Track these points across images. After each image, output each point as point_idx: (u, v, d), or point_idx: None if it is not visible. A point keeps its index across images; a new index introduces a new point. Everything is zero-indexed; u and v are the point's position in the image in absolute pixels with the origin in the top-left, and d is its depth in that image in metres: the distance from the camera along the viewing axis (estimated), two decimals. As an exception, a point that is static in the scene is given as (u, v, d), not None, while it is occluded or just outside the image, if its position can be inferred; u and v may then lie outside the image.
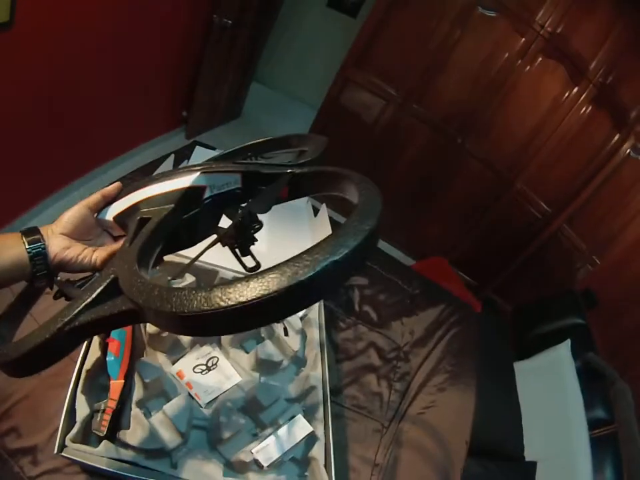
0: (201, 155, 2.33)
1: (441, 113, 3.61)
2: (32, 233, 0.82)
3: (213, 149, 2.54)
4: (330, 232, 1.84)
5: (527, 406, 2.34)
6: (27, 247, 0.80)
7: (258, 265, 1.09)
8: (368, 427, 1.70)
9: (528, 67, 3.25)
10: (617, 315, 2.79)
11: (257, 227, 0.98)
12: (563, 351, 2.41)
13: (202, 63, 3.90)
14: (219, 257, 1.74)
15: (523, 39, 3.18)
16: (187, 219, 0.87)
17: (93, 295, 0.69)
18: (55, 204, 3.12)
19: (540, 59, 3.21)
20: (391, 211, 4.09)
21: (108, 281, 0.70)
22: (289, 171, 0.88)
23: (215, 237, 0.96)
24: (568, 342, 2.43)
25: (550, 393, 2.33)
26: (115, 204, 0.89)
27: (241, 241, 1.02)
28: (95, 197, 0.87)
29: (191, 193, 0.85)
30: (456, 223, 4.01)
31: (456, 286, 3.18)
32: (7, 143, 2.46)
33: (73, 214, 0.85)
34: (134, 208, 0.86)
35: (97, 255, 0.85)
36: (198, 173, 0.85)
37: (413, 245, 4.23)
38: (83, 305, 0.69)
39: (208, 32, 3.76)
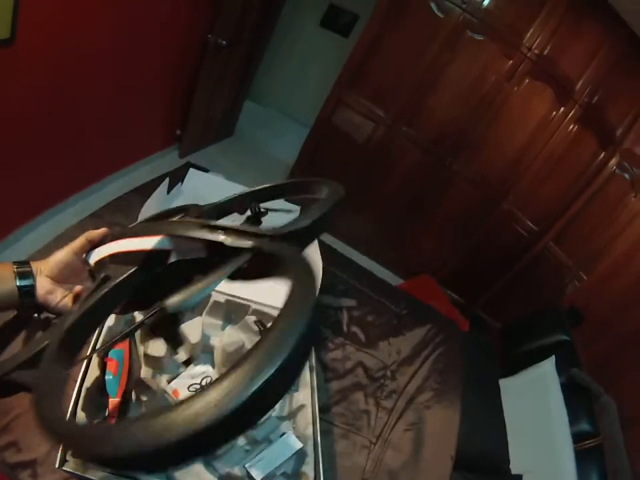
0: (194, 177, 2.39)
1: (430, 134, 3.68)
2: (24, 268, 0.87)
3: (206, 170, 2.59)
4: (318, 254, 1.91)
5: (512, 421, 2.38)
6: (18, 283, 0.85)
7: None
8: (356, 443, 1.75)
9: (516, 88, 3.32)
10: (602, 330, 2.84)
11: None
12: (547, 367, 2.45)
13: (197, 82, 3.95)
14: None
15: (511, 62, 3.26)
16: (154, 277, 0.87)
17: (20, 360, 0.76)
18: (52, 218, 3.15)
19: (527, 80, 3.28)
20: (380, 229, 4.16)
21: (37, 349, 0.75)
22: (250, 246, 0.71)
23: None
24: (552, 358, 2.47)
25: (535, 407, 2.37)
26: (97, 249, 0.92)
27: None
28: (80, 242, 0.91)
29: (156, 255, 0.84)
30: (444, 241, 4.06)
31: (443, 304, 3.23)
32: (4, 158, 2.51)
33: (59, 259, 0.89)
34: (103, 262, 0.90)
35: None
36: (162, 236, 0.83)
37: (401, 263, 4.27)
38: (14, 365, 0.75)
39: (203, 52, 3.82)
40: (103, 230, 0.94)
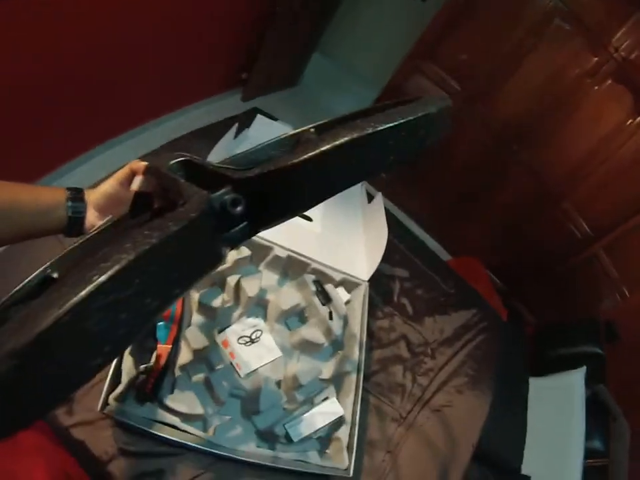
0: (261, 124, 2.36)
1: (502, 118, 3.59)
2: (77, 194, 0.87)
3: (275, 119, 2.55)
4: (384, 222, 1.89)
5: (534, 422, 2.38)
6: (70, 207, 0.86)
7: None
8: (387, 414, 1.76)
9: (596, 88, 3.19)
10: (636, 354, 2.78)
11: None
12: (577, 377, 2.43)
13: (268, 27, 3.89)
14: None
15: (596, 59, 3.12)
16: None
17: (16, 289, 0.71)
18: (107, 151, 3.19)
19: (609, 81, 3.14)
20: (437, 204, 4.13)
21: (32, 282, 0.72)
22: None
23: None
24: (584, 369, 2.45)
25: (557, 414, 2.36)
26: (137, 178, 0.85)
27: None
28: (124, 172, 0.88)
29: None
30: (496, 228, 4.00)
31: (486, 288, 3.19)
32: (62, 87, 2.50)
33: (104, 189, 0.88)
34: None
35: None
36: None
37: (450, 240, 4.25)
38: (8, 296, 0.69)
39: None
40: (146, 163, 0.89)
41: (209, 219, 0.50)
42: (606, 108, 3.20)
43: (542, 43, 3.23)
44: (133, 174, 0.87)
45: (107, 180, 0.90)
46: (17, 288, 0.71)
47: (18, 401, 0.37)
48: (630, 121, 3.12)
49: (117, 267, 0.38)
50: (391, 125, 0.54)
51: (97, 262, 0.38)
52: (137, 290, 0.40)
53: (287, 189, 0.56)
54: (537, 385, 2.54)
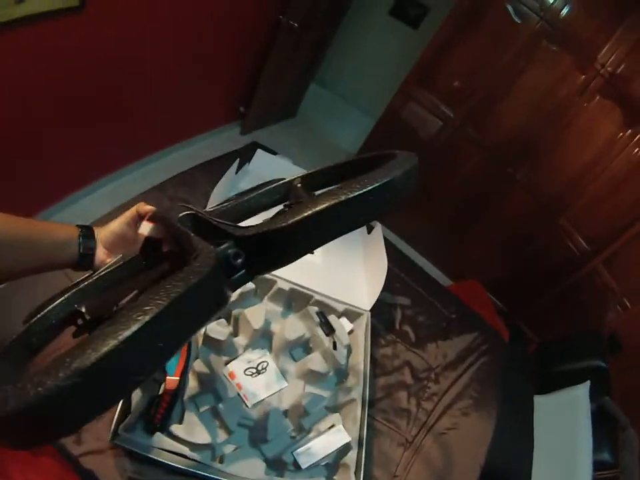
0: (261, 158, 2.43)
1: (495, 140, 3.65)
2: (88, 231, 0.90)
3: (274, 153, 2.62)
4: (384, 253, 1.95)
5: (541, 439, 2.38)
6: (82, 243, 0.88)
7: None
8: (393, 440, 1.78)
9: (585, 105, 3.26)
10: (639, 363, 2.80)
11: None
12: (581, 392, 2.44)
13: (265, 61, 3.97)
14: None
15: (583, 76, 3.20)
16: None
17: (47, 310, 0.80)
18: (111, 184, 3.26)
19: (597, 97, 3.21)
20: (435, 228, 4.16)
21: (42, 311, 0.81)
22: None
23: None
24: (587, 384, 2.45)
25: (563, 430, 2.36)
26: (145, 223, 0.94)
27: None
28: (131, 213, 0.93)
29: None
30: (496, 248, 4.04)
31: (488, 311, 3.21)
32: (69, 119, 2.59)
33: (112, 228, 0.92)
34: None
35: None
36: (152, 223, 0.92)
37: (451, 264, 4.28)
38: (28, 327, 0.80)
39: (274, 32, 3.84)
40: (152, 207, 0.95)
41: (217, 270, 0.60)
42: (597, 123, 3.26)
43: (531, 64, 3.32)
44: (139, 216, 0.93)
45: (115, 220, 0.93)
46: (43, 313, 0.80)
47: (69, 411, 0.46)
48: (620, 134, 3.18)
49: (156, 310, 0.48)
50: (360, 192, 0.63)
51: (140, 305, 0.48)
52: (168, 327, 0.50)
53: (278, 245, 0.67)
54: (541, 403, 2.54)
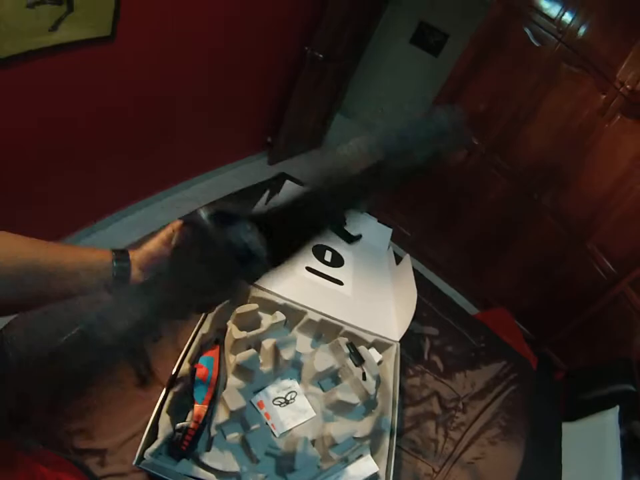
0: (289, 189, 2.46)
1: (521, 166, 3.65)
2: (122, 254, 0.90)
3: (302, 183, 2.65)
4: (413, 283, 1.96)
5: (568, 466, 2.35)
6: (115, 266, 0.88)
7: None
8: (421, 470, 1.77)
9: (607, 125, 3.24)
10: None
11: None
12: (610, 417, 2.40)
13: (291, 92, 4.05)
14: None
15: (604, 96, 3.19)
16: None
17: None
18: (136, 212, 3.31)
19: (619, 117, 3.19)
20: (461, 257, 4.15)
21: None
22: None
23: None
24: (616, 409, 2.42)
25: (592, 457, 2.32)
26: None
27: None
28: (167, 232, 0.92)
29: None
30: (523, 275, 4.01)
31: (516, 339, 3.19)
32: (99, 148, 2.66)
33: (149, 249, 0.92)
34: None
35: None
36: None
37: (478, 292, 4.26)
38: None
39: (300, 63, 3.92)
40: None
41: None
42: (620, 143, 3.22)
43: (553, 87, 3.33)
44: (174, 233, 0.91)
45: (151, 241, 0.93)
46: None
47: None
48: None
49: None
50: None
51: None
52: None
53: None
54: (570, 430, 2.51)
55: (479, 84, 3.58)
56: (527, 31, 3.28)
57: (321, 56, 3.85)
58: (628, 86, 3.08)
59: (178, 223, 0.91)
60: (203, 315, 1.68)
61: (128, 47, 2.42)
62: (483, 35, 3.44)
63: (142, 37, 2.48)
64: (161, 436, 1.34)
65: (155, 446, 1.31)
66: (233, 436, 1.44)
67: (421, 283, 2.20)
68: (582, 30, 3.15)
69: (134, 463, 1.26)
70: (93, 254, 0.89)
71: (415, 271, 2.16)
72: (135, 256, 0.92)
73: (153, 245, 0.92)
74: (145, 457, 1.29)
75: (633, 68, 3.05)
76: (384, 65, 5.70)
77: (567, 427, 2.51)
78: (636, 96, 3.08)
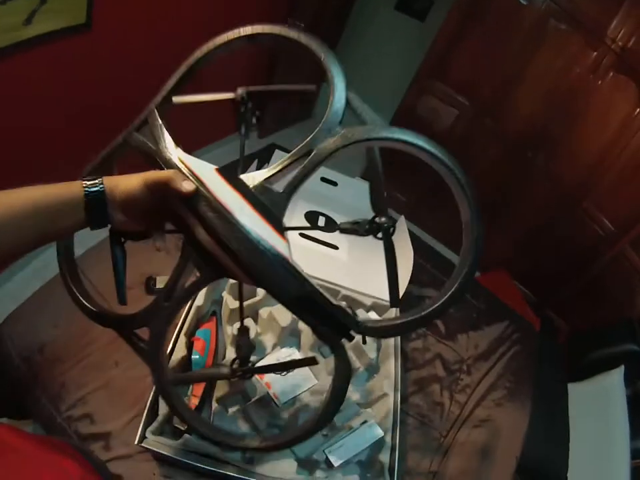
0: (280, 158, 2.42)
1: (513, 127, 3.60)
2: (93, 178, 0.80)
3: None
4: (409, 245, 1.92)
5: (576, 428, 2.34)
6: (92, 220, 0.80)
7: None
8: (427, 435, 1.76)
9: (599, 82, 3.17)
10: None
11: None
12: (615, 377, 2.40)
13: (276, 64, 4.00)
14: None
15: (595, 53, 3.11)
16: None
17: None
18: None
19: (611, 74, 3.12)
20: (458, 222, 4.11)
21: None
22: None
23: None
24: (621, 368, 2.41)
25: (598, 417, 2.32)
26: None
27: None
28: (157, 180, 0.82)
29: None
30: (521, 238, 3.98)
31: (517, 301, 3.18)
32: (79, 138, 2.59)
33: (131, 190, 0.81)
34: None
35: None
36: None
37: (477, 255, 4.16)
38: None
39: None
40: (191, 186, 0.84)
41: None
42: (613, 101, 3.17)
43: (542, 47, 3.25)
44: (168, 187, 0.82)
45: (132, 178, 0.82)
46: None
47: None
48: (638, 109, 3.07)
49: None
50: None
51: None
52: None
53: None
54: (575, 390, 2.50)
55: (465, 47, 3.50)
56: (514, -11, 3.21)
57: (302, 25, 3.76)
58: (620, 43, 3.00)
59: (188, 186, 0.83)
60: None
61: (105, 33, 2.37)
62: (466, -4, 3.36)
63: (119, 21, 2.43)
64: (162, 413, 1.32)
65: (156, 424, 1.30)
66: (234, 408, 1.42)
67: (419, 245, 2.17)
68: (571, -14, 3.08)
69: (136, 442, 1.25)
70: (60, 185, 0.80)
71: (411, 234, 2.13)
72: (115, 191, 0.81)
73: (137, 188, 0.81)
74: (146, 435, 1.27)
75: (624, 24, 2.97)
76: (369, 33, 5.60)
77: (572, 388, 2.50)
78: (627, 53, 3.01)
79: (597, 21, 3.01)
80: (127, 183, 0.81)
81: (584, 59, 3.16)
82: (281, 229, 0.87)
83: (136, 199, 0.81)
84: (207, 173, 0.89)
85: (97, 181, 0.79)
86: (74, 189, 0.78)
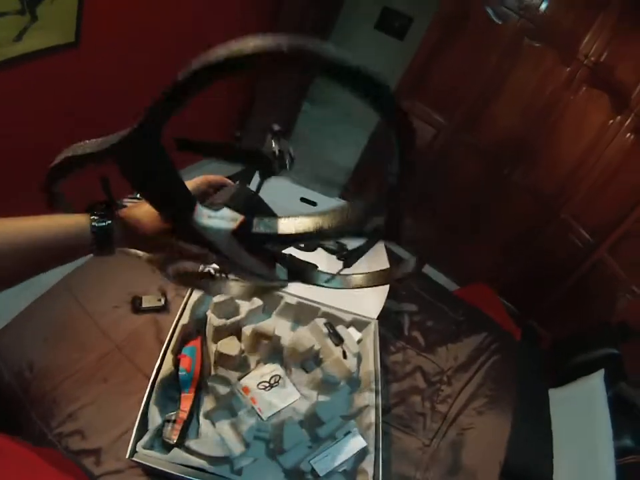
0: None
1: (489, 143, 3.66)
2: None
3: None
4: (386, 260, 1.98)
5: (559, 432, 2.38)
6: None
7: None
8: (411, 444, 1.80)
9: (572, 97, 3.26)
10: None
11: None
12: (596, 381, 2.44)
13: (256, 84, 4.08)
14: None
15: (568, 69, 3.20)
16: None
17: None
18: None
19: (584, 88, 3.21)
20: (438, 236, 4.15)
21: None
22: None
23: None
24: (601, 372, 2.45)
25: (581, 420, 2.36)
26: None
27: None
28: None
29: None
30: (501, 251, 4.03)
31: (498, 313, 3.22)
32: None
33: (142, 219, 0.82)
34: None
35: None
36: None
37: (457, 270, 4.27)
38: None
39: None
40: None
41: None
42: (586, 114, 3.26)
43: (517, 64, 3.33)
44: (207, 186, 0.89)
45: (144, 208, 0.83)
46: None
47: None
48: (611, 121, 3.17)
49: None
50: None
51: None
52: None
53: None
54: (557, 396, 2.54)
55: (443, 64, 3.56)
56: (488, 9, 3.28)
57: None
58: (592, 58, 3.10)
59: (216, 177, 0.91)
60: (182, 306, 1.71)
61: (92, 51, 2.41)
62: (444, 16, 3.43)
63: (105, 41, 2.47)
64: (151, 428, 1.37)
65: (146, 437, 1.34)
66: (221, 422, 1.47)
67: (396, 261, 2.23)
68: (544, 4, 3.15)
69: (127, 456, 1.29)
70: (67, 218, 0.79)
71: (388, 249, 2.19)
72: (128, 220, 0.82)
73: (147, 217, 0.82)
74: (137, 449, 1.32)
75: (596, 39, 3.07)
76: (349, 49, 5.66)
77: (553, 393, 2.54)
78: (600, 67, 3.10)
79: (571, 35, 3.10)
80: (137, 214, 0.83)
81: (558, 75, 3.24)
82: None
83: (146, 229, 0.82)
84: None
85: (103, 215, 0.80)
86: (80, 225, 0.78)
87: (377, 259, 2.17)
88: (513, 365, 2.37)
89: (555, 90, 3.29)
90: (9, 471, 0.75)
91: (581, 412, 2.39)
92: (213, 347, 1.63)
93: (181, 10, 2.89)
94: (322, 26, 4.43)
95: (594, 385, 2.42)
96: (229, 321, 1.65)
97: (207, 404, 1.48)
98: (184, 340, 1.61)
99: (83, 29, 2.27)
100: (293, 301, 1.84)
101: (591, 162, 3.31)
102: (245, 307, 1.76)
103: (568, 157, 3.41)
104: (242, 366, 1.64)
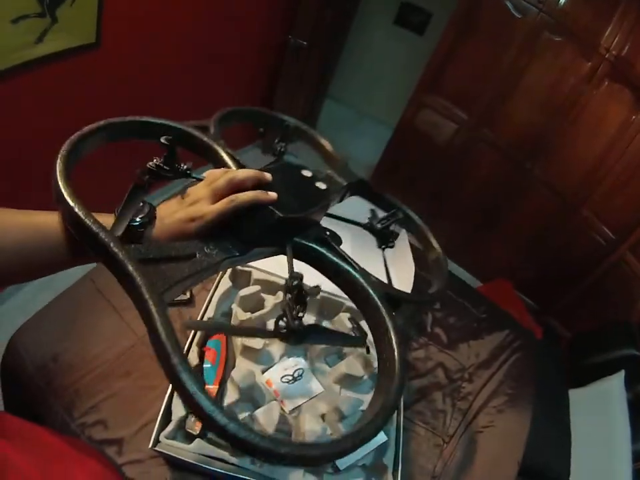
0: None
1: (510, 138, 3.65)
2: None
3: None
4: (410, 257, 1.97)
5: (578, 432, 2.37)
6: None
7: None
8: (430, 441, 1.81)
9: (595, 92, 3.24)
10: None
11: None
12: (615, 382, 2.43)
13: (278, 81, 4.09)
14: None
15: (589, 64, 3.18)
16: None
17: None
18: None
19: (606, 83, 3.19)
20: (459, 232, 4.14)
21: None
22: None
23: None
24: (621, 373, 2.44)
25: (600, 421, 2.35)
26: None
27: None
28: (190, 212, 0.80)
29: None
30: (521, 247, 4.02)
31: (519, 310, 3.21)
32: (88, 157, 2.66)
33: (171, 227, 0.79)
34: None
35: None
36: None
37: (478, 266, 4.27)
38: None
39: (284, 52, 3.95)
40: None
41: None
42: (608, 109, 3.23)
43: (536, 57, 3.32)
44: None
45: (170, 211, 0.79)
46: None
47: None
48: (633, 117, 3.13)
49: None
50: None
51: None
52: None
53: None
54: (577, 396, 2.53)
55: (462, 60, 3.58)
56: (508, 3, 3.28)
57: (304, 43, 3.88)
58: (614, 52, 3.07)
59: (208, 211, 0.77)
60: (207, 299, 1.72)
61: (113, 51, 2.45)
62: (463, 11, 3.44)
63: (125, 41, 2.51)
64: (175, 419, 1.38)
65: (169, 428, 1.35)
66: (244, 414, 1.48)
67: (419, 257, 2.22)
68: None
69: (150, 445, 1.30)
70: (39, 216, 0.73)
71: (411, 245, 2.19)
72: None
73: (174, 224, 0.78)
74: (160, 439, 1.33)
75: (617, 33, 3.04)
76: (369, 48, 5.69)
77: (573, 393, 2.53)
78: (621, 61, 3.07)
79: (591, 29, 3.08)
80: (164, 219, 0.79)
81: (578, 69, 3.23)
82: None
83: (175, 235, 0.78)
84: None
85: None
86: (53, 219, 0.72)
87: (402, 260, 2.17)
88: (533, 363, 2.35)
89: (575, 85, 3.28)
90: (34, 455, 0.75)
91: (600, 413, 2.38)
92: (237, 340, 1.64)
93: (201, 10, 2.89)
94: (342, 19, 4.44)
95: (613, 386, 2.41)
96: (254, 315, 1.67)
97: (231, 396, 1.48)
98: (209, 333, 1.62)
99: (103, 29, 2.30)
100: (317, 295, 1.84)
101: (614, 158, 3.28)
102: (269, 300, 1.77)
103: (589, 153, 3.39)
104: (266, 359, 1.65)
